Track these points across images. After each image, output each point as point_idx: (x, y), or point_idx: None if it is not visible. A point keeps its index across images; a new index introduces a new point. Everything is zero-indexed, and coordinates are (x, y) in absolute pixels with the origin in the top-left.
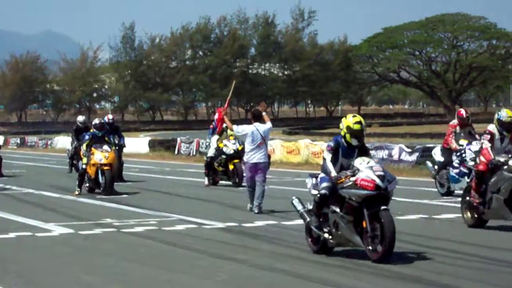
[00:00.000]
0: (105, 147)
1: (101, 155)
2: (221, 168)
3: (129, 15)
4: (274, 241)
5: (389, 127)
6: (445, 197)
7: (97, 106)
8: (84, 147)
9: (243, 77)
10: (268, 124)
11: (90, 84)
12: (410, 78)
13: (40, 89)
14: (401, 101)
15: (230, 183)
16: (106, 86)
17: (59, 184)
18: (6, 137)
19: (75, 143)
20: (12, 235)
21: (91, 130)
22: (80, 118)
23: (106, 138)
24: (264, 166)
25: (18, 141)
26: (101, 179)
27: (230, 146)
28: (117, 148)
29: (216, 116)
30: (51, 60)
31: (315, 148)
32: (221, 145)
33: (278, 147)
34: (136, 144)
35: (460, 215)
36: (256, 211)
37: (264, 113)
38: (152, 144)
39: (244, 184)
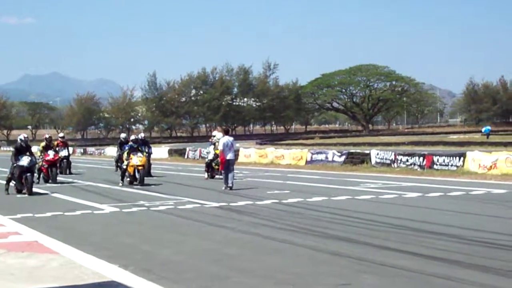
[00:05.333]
0: (139, 154)
1: (137, 159)
2: (217, 167)
3: (152, 66)
4: (251, 214)
5: (326, 139)
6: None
7: (133, 127)
8: (125, 154)
9: (229, 107)
10: (231, 137)
11: (128, 113)
12: (339, 106)
13: (96, 117)
14: (333, 122)
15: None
16: (139, 114)
17: (108, 179)
18: (74, 148)
19: (119, 151)
20: (78, 212)
21: (130, 143)
22: (122, 135)
23: (139, 148)
24: (233, 160)
25: (82, 150)
26: (137, 175)
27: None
28: (147, 154)
29: (213, 135)
30: (103, 98)
31: (277, 153)
32: (217, 151)
33: (253, 153)
34: (160, 152)
35: (374, 196)
36: (230, 188)
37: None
38: (170, 152)
39: (257, 179)
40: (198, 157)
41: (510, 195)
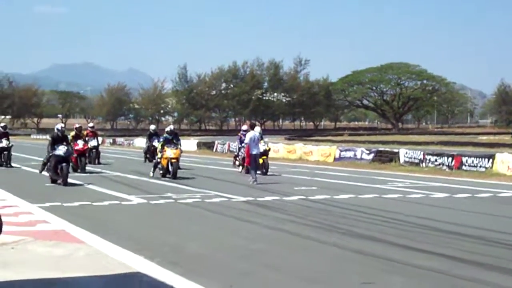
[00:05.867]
0: (173, 146)
1: (171, 152)
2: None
3: (183, 59)
4: (278, 210)
5: (355, 136)
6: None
7: (163, 119)
8: (159, 146)
9: (258, 101)
10: (258, 132)
11: (158, 104)
12: (369, 104)
13: (126, 107)
14: (363, 119)
15: (259, 172)
16: (169, 106)
17: (137, 170)
18: (103, 138)
19: (148, 143)
20: (106, 203)
21: (165, 135)
22: (152, 126)
23: (174, 140)
24: (258, 155)
25: (111, 141)
26: (170, 168)
27: (261, 147)
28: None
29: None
30: (133, 88)
31: (306, 149)
32: None
33: (282, 148)
34: (188, 144)
35: (401, 195)
36: (256, 183)
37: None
38: (199, 145)
39: (269, 173)
40: (226, 151)
41: None
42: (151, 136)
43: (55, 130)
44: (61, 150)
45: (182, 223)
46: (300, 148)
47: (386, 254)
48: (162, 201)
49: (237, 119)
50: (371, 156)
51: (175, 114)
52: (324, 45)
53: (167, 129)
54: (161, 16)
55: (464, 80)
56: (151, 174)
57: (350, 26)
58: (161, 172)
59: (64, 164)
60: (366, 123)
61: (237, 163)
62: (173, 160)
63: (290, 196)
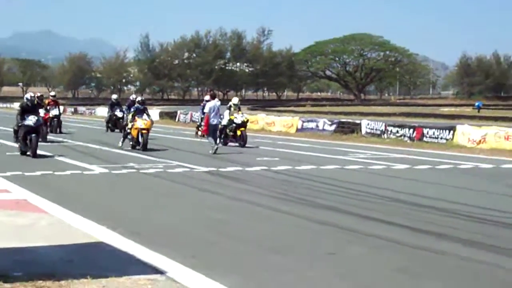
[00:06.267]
0: (145, 117)
1: (141, 122)
2: (231, 133)
3: (146, 28)
4: (241, 181)
5: (317, 107)
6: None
7: (125, 88)
8: (130, 116)
9: (221, 71)
10: (218, 102)
11: (120, 74)
12: (332, 75)
13: (88, 76)
14: (325, 90)
15: (237, 144)
16: (131, 75)
17: (99, 139)
18: (65, 107)
19: (110, 112)
20: (68, 172)
21: (136, 105)
22: (114, 96)
23: (146, 111)
24: (218, 125)
25: (73, 110)
26: (140, 139)
27: (239, 118)
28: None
29: (205, 103)
30: (95, 57)
31: (268, 120)
32: (232, 117)
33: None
34: (150, 114)
35: (362, 166)
36: (215, 153)
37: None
38: (161, 115)
39: (248, 145)
40: (189, 121)
41: (498, 170)
42: (113, 106)
43: (25, 100)
44: (30, 120)
45: (144, 193)
46: (262, 118)
47: (348, 224)
48: (124, 171)
49: (199, 89)
50: (333, 127)
51: (137, 83)
52: (287, 15)
53: (138, 99)
54: None
55: (426, 52)
56: (120, 144)
57: None
58: (131, 143)
59: (33, 135)
60: (329, 94)
61: (199, 133)
62: (143, 131)
63: (252, 167)
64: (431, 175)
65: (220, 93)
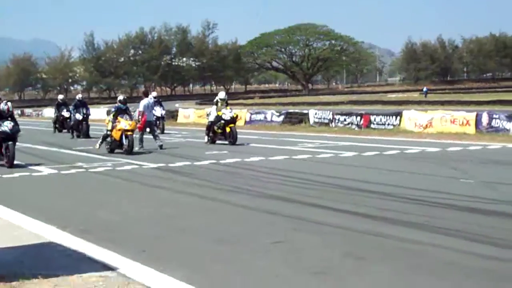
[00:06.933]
0: (127, 117)
1: (125, 123)
2: (220, 131)
3: (90, 25)
4: (189, 175)
5: (265, 99)
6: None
7: (72, 88)
8: (111, 116)
9: (168, 67)
10: (152, 98)
11: (66, 73)
12: (279, 66)
13: (33, 77)
14: (273, 81)
15: (226, 142)
16: (77, 75)
17: (47, 141)
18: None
19: (56, 113)
20: (16, 174)
21: (117, 104)
22: (60, 96)
23: (128, 111)
24: (154, 121)
25: (19, 112)
26: (124, 141)
27: (227, 114)
28: (85, 116)
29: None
30: (40, 58)
31: None
32: (219, 113)
33: (192, 113)
34: (98, 112)
35: (311, 155)
36: (160, 148)
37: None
38: (108, 113)
39: (238, 143)
40: (137, 118)
41: (444, 153)
42: (59, 106)
43: None
44: (6, 126)
45: (93, 192)
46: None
47: (295, 213)
48: (73, 170)
49: (147, 85)
50: (281, 118)
51: (84, 82)
52: (231, 8)
53: (120, 98)
54: None
55: (372, 39)
56: (97, 146)
57: None
58: (108, 146)
59: (10, 143)
60: (277, 85)
61: (147, 129)
62: (128, 133)
63: (201, 161)
64: (378, 161)
65: (167, 89)
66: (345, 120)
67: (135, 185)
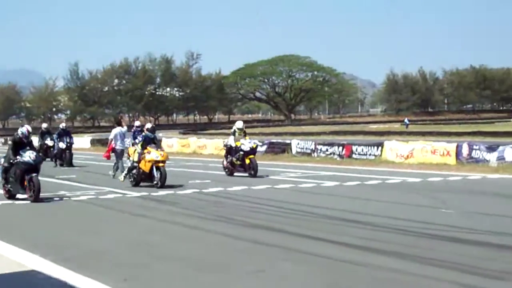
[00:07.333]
0: (157, 147)
1: (157, 154)
2: (239, 162)
3: (75, 54)
4: (172, 204)
5: (248, 129)
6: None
7: (56, 117)
8: (138, 146)
9: (152, 96)
10: (125, 127)
11: (50, 102)
12: (262, 96)
13: (17, 106)
14: (256, 111)
15: (246, 174)
16: (62, 104)
17: None
18: None
19: (40, 141)
20: None
21: (145, 132)
22: (44, 124)
23: (155, 140)
24: (122, 150)
25: (3, 140)
26: (155, 174)
27: (246, 145)
28: (69, 145)
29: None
30: (25, 87)
31: (200, 143)
32: (238, 143)
33: (175, 143)
34: (82, 141)
35: (293, 185)
36: (123, 179)
37: (122, 121)
38: (92, 142)
39: (259, 175)
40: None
41: (425, 183)
42: (43, 134)
43: (19, 133)
44: (28, 156)
45: (75, 220)
46: (194, 142)
47: (278, 242)
48: (56, 199)
49: (130, 114)
50: (264, 148)
51: (68, 111)
52: (215, 39)
53: (148, 126)
54: (49, 13)
55: (354, 70)
56: (122, 178)
57: (241, 20)
58: (132, 180)
59: (34, 175)
60: (260, 115)
61: (131, 158)
62: (160, 164)
63: (184, 190)
64: (360, 191)
65: (151, 118)
66: (327, 150)
67: (118, 214)
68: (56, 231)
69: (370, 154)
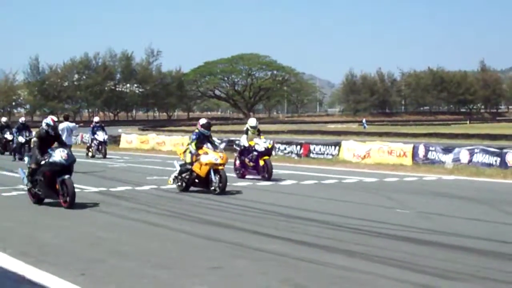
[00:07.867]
0: (209, 146)
1: (215, 155)
2: (252, 164)
3: (35, 49)
4: (130, 200)
5: None
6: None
7: (15, 111)
8: (192, 146)
9: (111, 92)
10: (72, 123)
11: (10, 96)
12: (221, 94)
13: None
14: (215, 109)
15: (259, 177)
16: (21, 98)
17: None
18: None
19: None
20: None
21: (200, 129)
22: (3, 118)
23: (211, 139)
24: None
25: None
26: (214, 178)
27: (261, 145)
28: (28, 139)
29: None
30: None
31: (159, 140)
32: (251, 143)
33: (135, 139)
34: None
35: (250, 183)
36: (171, 182)
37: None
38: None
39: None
40: (79, 142)
41: (380, 183)
42: (2, 129)
43: (44, 126)
44: (59, 155)
45: (34, 214)
46: (153, 138)
47: (233, 239)
48: (14, 193)
49: (90, 110)
50: (222, 146)
51: (27, 106)
52: (176, 36)
53: (203, 121)
54: (9, 7)
55: (313, 71)
56: (171, 181)
57: (202, 18)
58: (180, 184)
59: (66, 177)
60: (219, 113)
61: (89, 153)
62: (220, 167)
63: (142, 186)
64: (316, 190)
65: (111, 114)
66: (285, 149)
67: (77, 209)
68: (13, 225)
69: (327, 154)
